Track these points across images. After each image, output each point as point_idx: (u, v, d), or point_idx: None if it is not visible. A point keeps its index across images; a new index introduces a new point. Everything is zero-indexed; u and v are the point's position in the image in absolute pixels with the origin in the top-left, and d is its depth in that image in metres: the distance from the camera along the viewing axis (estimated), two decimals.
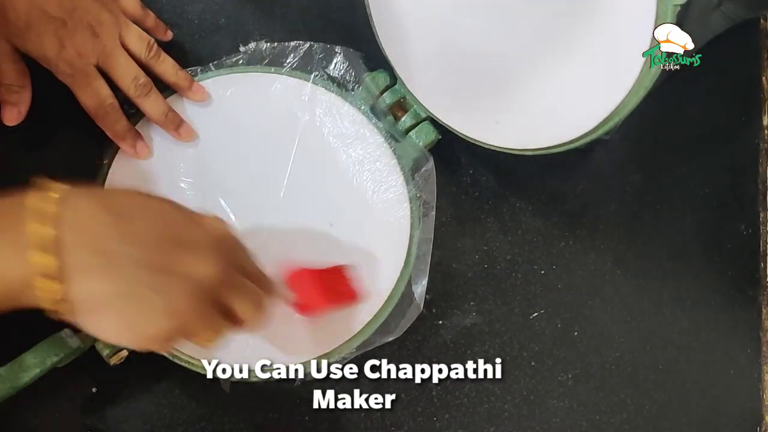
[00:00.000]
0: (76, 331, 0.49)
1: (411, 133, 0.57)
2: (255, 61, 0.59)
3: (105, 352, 0.50)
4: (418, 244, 0.56)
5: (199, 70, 0.58)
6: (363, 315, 0.54)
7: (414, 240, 0.56)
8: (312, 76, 0.58)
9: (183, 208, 0.40)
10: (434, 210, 0.57)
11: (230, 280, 0.39)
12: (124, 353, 0.51)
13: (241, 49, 0.59)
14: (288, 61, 0.59)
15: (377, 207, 0.57)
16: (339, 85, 0.59)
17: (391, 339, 0.54)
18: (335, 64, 0.58)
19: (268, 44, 0.59)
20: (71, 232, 0.34)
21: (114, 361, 0.51)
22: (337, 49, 0.59)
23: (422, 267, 0.56)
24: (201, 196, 0.56)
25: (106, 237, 0.35)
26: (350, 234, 0.56)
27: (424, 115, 0.57)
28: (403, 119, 0.57)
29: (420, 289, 0.55)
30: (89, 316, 0.36)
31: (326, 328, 0.54)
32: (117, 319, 0.35)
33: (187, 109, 0.57)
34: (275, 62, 0.59)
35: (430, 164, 0.57)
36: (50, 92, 0.52)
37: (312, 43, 0.58)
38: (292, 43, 0.59)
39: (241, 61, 0.58)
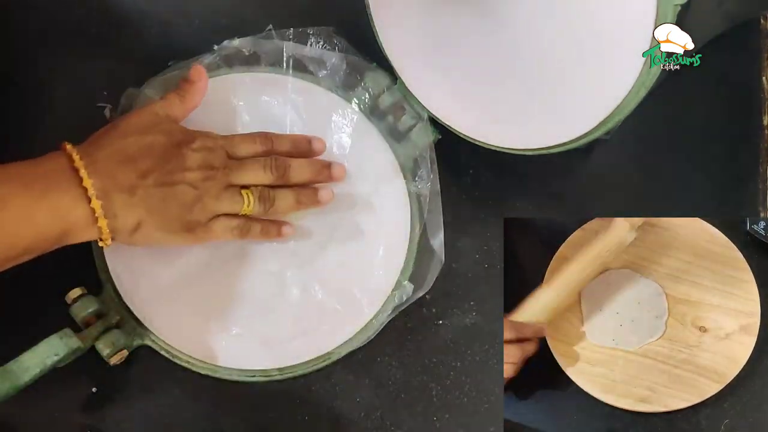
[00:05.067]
0: (76, 330, 0.49)
1: (411, 133, 0.57)
2: (232, 60, 0.58)
3: (105, 352, 0.50)
4: (429, 198, 0.56)
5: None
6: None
7: (417, 220, 0.56)
8: (291, 71, 0.58)
9: (172, 134, 0.50)
10: (436, 163, 0.57)
11: (215, 173, 0.50)
12: (125, 353, 0.51)
13: (215, 47, 0.58)
14: (284, 60, 0.58)
15: (376, 194, 0.57)
16: (338, 84, 0.59)
17: (420, 294, 0.55)
18: (310, 45, 0.58)
19: (239, 40, 0.58)
20: (102, 181, 0.47)
21: (114, 361, 0.51)
22: (309, 30, 0.58)
23: (436, 220, 0.56)
24: None
25: (125, 179, 0.47)
26: (351, 225, 0.56)
27: (424, 115, 0.57)
28: (403, 119, 0.57)
29: (438, 242, 0.56)
30: (136, 235, 0.49)
31: (327, 330, 0.54)
32: (156, 227, 0.49)
33: None
34: (272, 62, 0.59)
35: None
36: (48, 92, 0.52)
37: (285, 29, 0.58)
38: (268, 41, 0.58)
39: (217, 58, 0.58)
